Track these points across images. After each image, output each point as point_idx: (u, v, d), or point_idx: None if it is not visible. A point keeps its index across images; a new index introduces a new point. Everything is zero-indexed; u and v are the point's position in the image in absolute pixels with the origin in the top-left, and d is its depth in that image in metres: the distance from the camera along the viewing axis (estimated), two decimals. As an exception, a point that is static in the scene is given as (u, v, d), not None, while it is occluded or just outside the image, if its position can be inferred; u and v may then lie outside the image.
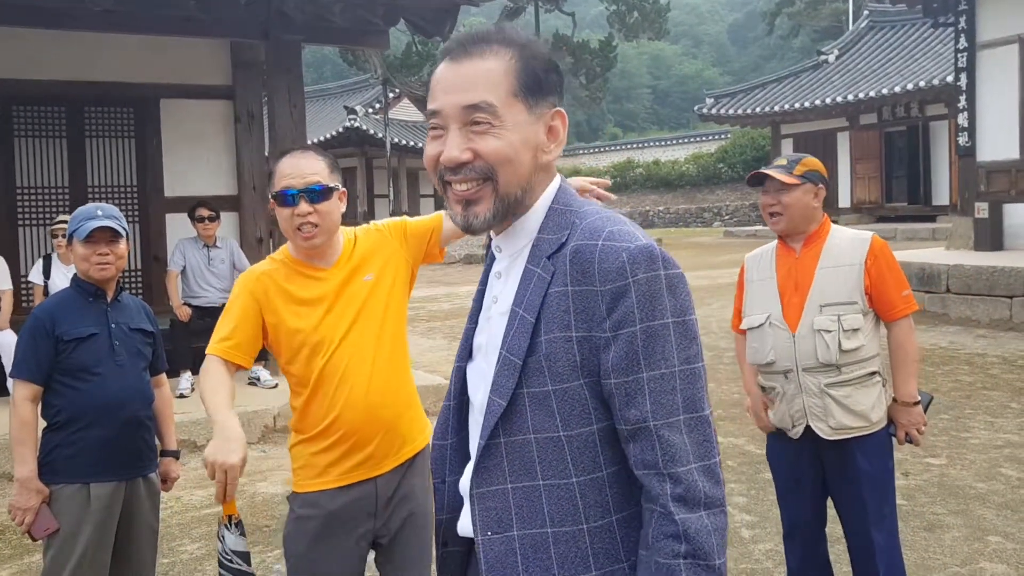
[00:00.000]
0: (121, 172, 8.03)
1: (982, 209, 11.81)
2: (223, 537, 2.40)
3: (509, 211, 1.41)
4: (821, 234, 3.13)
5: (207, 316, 7.35)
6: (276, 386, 7.27)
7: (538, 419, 1.34)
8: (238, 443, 2.26)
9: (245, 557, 2.40)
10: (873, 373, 3.07)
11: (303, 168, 2.49)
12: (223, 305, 8.04)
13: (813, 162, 3.14)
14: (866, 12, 27.82)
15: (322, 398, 2.52)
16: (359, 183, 30.23)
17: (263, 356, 7.49)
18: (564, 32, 26.64)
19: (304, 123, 7.69)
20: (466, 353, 1.51)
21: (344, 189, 2.61)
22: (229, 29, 7.17)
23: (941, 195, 23.37)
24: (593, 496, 1.34)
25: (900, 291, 3.06)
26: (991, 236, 11.66)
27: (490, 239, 1.65)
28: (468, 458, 1.48)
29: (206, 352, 2.57)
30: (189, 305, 7.34)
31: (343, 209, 2.60)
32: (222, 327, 2.56)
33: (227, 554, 2.39)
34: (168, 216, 7.90)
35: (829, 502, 3.26)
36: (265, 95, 8.23)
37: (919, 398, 3.13)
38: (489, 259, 1.54)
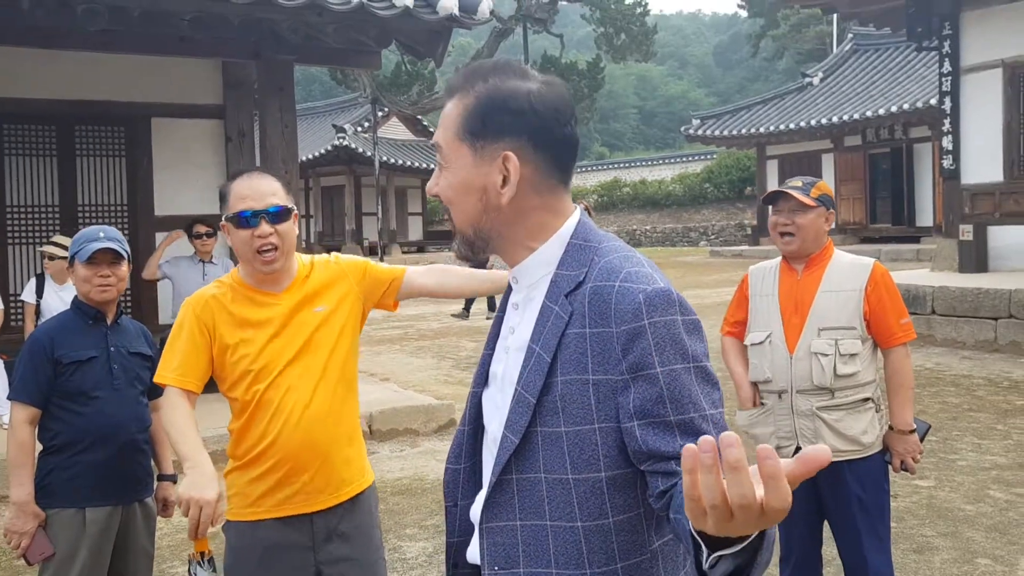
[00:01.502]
0: (111, 191, 8.03)
1: (967, 231, 11.94)
2: (195, 573, 2.41)
3: (475, 247, 1.45)
4: (824, 257, 3.16)
5: (197, 335, 7.33)
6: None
7: (549, 459, 1.35)
8: (211, 479, 2.28)
9: None
10: (867, 399, 3.10)
11: (261, 189, 2.46)
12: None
13: (826, 186, 3.18)
14: (850, 35, 28.15)
15: (258, 423, 2.47)
16: (347, 201, 30.25)
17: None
18: (552, 53, 26.84)
19: (296, 142, 7.71)
20: (482, 380, 1.53)
21: (297, 211, 2.60)
22: (222, 49, 7.20)
23: (925, 216, 23.60)
24: (598, 542, 1.34)
25: (899, 319, 3.09)
26: (976, 258, 11.78)
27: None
28: (480, 483, 1.50)
29: (156, 381, 2.56)
30: (180, 324, 7.31)
31: (297, 232, 2.59)
32: (171, 355, 2.51)
33: None
34: (158, 235, 7.88)
35: (825, 525, 3.29)
36: (256, 114, 8.25)
37: (915, 426, 3.17)
38: (508, 288, 1.56)
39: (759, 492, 0.94)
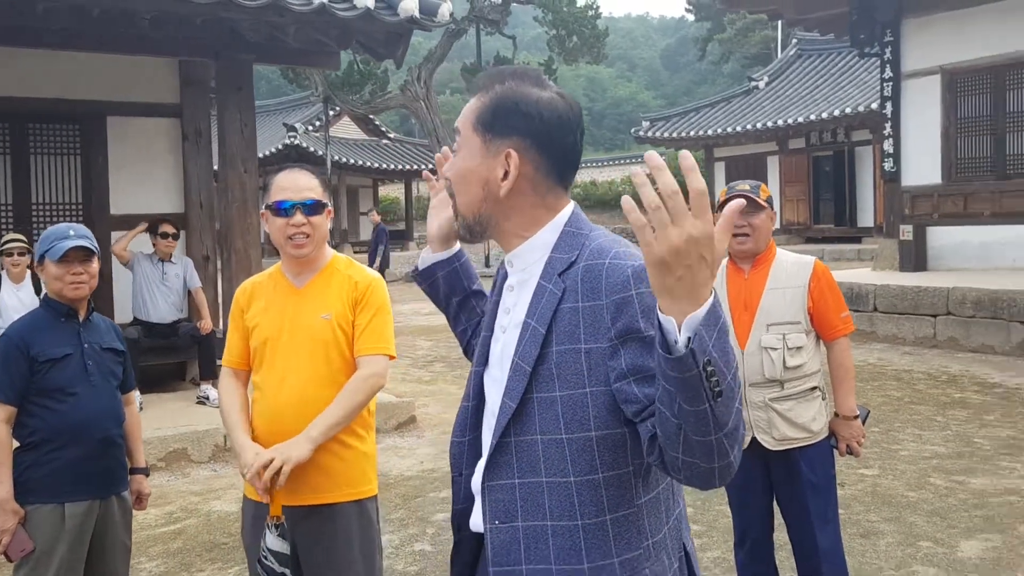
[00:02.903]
0: (66, 189, 7.95)
1: (907, 232, 12.36)
2: (265, 535, 2.54)
3: (474, 232, 1.60)
4: (768, 257, 3.33)
5: (156, 335, 7.33)
6: (225, 405, 7.24)
7: (545, 421, 1.48)
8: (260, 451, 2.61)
9: (280, 557, 2.53)
10: (814, 388, 3.28)
11: (300, 183, 2.71)
12: (174, 322, 8.02)
13: (768, 190, 3.37)
14: (794, 40, 28.78)
15: (255, 405, 2.78)
16: (297, 201, 29.96)
17: (212, 375, 7.48)
18: (505, 55, 26.96)
19: (255, 141, 7.73)
20: (483, 359, 1.66)
21: (332, 208, 2.80)
22: (181, 48, 7.18)
23: (866, 217, 24.25)
24: (588, 495, 1.47)
25: (839, 313, 3.29)
26: (915, 258, 12.21)
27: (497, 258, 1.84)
28: (480, 455, 1.62)
29: (222, 363, 2.90)
30: (138, 321, 7.30)
31: (330, 226, 2.80)
32: (227, 339, 2.90)
33: (264, 550, 2.54)
34: (114, 234, 7.81)
35: (776, 509, 3.47)
36: (214, 113, 8.24)
37: (858, 412, 3.36)
38: (502, 273, 1.69)
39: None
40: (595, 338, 1.45)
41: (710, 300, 1.21)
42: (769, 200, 3.30)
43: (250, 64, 7.51)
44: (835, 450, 3.37)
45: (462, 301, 1.99)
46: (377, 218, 17.15)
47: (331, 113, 26.96)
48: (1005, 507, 5.04)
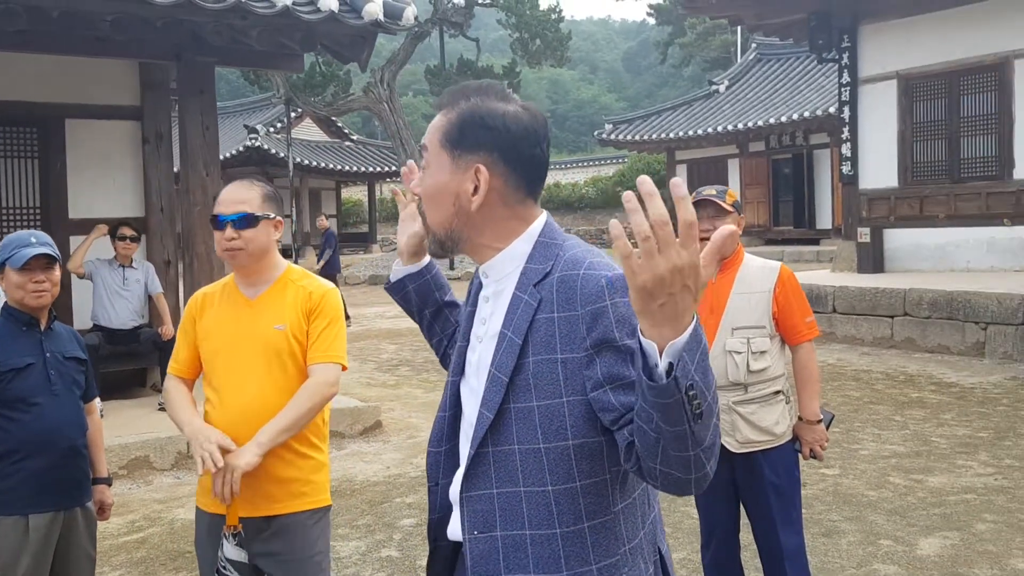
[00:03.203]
0: (23, 193, 7.80)
1: (864, 234, 12.58)
2: (222, 545, 2.52)
3: (446, 247, 1.62)
4: (735, 261, 3.37)
5: (117, 341, 7.22)
6: (188, 411, 7.17)
7: (522, 432, 1.50)
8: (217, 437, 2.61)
9: (239, 567, 2.53)
10: (777, 392, 3.33)
11: (234, 196, 2.76)
12: (134, 328, 7.90)
13: (735, 194, 3.42)
14: (754, 45, 29.14)
15: (208, 415, 2.78)
16: (258, 203, 29.71)
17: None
18: (468, 57, 26.96)
19: (217, 145, 7.66)
20: (459, 369, 1.67)
21: (279, 218, 2.83)
22: (142, 50, 7.09)
23: (824, 219, 24.62)
24: (567, 504, 1.49)
25: (804, 317, 3.34)
26: (873, 259, 12.42)
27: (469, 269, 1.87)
28: (457, 464, 1.64)
29: (168, 371, 2.92)
30: (98, 327, 7.19)
31: (277, 236, 2.82)
32: (176, 346, 2.92)
33: (222, 560, 2.53)
34: (72, 238, 7.69)
35: (742, 511, 3.52)
36: (174, 116, 8.14)
37: (822, 417, 3.42)
38: (476, 283, 1.71)
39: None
40: (571, 348, 1.47)
41: (692, 325, 1.23)
42: (736, 204, 3.34)
43: (212, 67, 7.44)
44: (799, 453, 3.42)
45: (435, 312, 2.01)
46: (326, 224, 17.04)
47: (293, 115, 26.76)
48: (962, 505, 5.15)
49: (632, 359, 1.42)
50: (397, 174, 30.17)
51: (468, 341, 1.67)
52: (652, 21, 55.60)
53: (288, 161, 25.08)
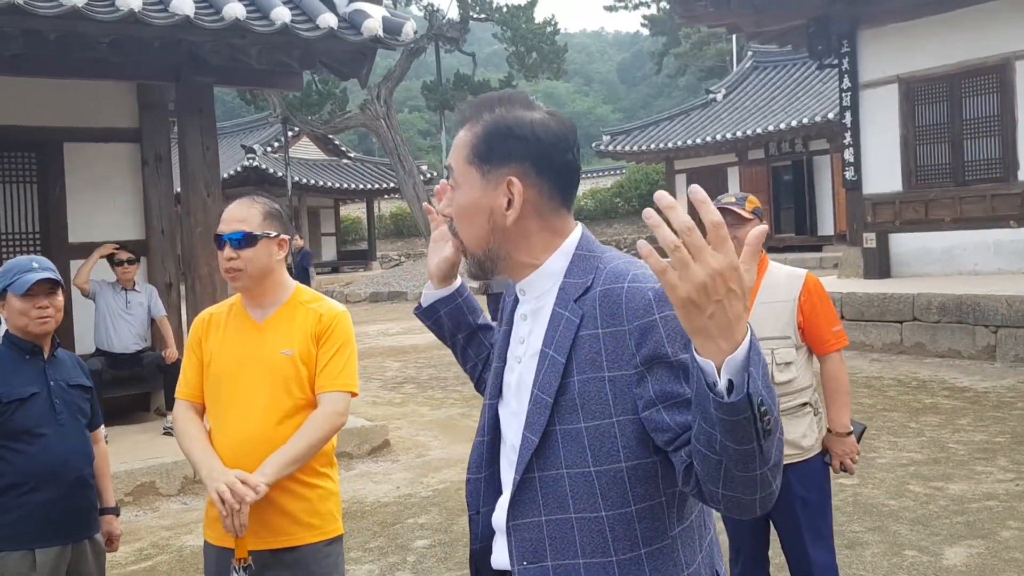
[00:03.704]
0: (22, 218, 7.73)
1: (870, 239, 12.50)
2: None
3: (484, 268, 1.53)
4: (760, 269, 3.29)
5: (120, 366, 7.14)
6: (193, 435, 7.08)
7: (570, 455, 1.42)
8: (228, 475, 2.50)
9: None
10: (804, 404, 3.24)
11: (235, 215, 2.67)
12: (138, 352, 7.81)
13: (756, 200, 3.33)
14: (750, 53, 29.15)
15: (214, 444, 2.67)
16: (257, 223, 29.73)
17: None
18: (464, 72, 26.97)
19: (218, 165, 7.59)
20: (496, 391, 1.60)
21: (283, 236, 2.71)
22: (140, 71, 7.03)
23: (826, 226, 24.56)
24: (622, 530, 1.41)
25: (831, 327, 3.24)
26: (879, 265, 12.34)
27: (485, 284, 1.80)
28: (499, 491, 1.56)
29: (176, 395, 2.79)
30: (101, 351, 7.10)
31: (281, 255, 2.71)
32: (183, 370, 2.79)
33: None
34: (72, 263, 7.62)
35: (771, 526, 3.43)
36: (174, 137, 8.08)
37: (852, 428, 3.33)
38: (512, 301, 1.63)
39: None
40: (619, 365, 1.40)
41: (748, 336, 1.16)
42: (756, 211, 3.26)
43: (211, 86, 7.38)
44: (829, 467, 3.33)
45: (468, 336, 1.93)
46: (300, 243, 16.88)
47: (290, 134, 26.76)
48: (985, 512, 5.05)
49: (686, 375, 1.34)
50: (395, 191, 30.14)
51: (505, 362, 1.60)
52: (646, 32, 55.76)
53: (286, 180, 25.05)
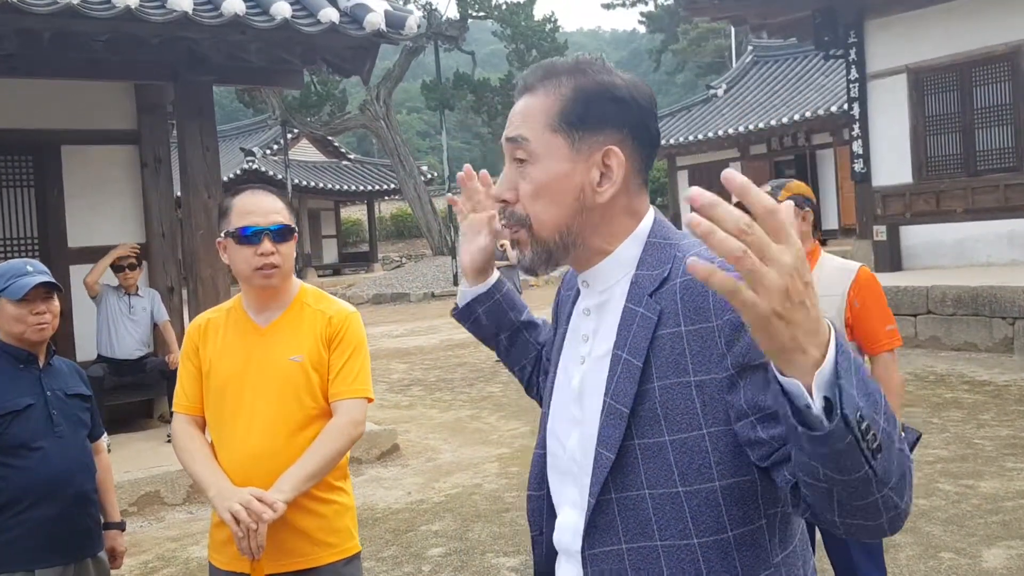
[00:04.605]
0: (20, 223, 7.57)
1: (880, 232, 12.33)
2: None
3: (552, 256, 1.33)
4: (811, 261, 3.12)
5: (123, 372, 6.98)
6: (198, 442, 6.92)
7: (652, 473, 1.23)
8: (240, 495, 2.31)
9: None
10: None
11: (265, 206, 2.41)
12: (140, 358, 7.63)
13: (798, 186, 3.14)
14: (750, 47, 28.98)
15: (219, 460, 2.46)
16: (258, 226, 29.63)
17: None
18: (464, 71, 26.80)
19: (218, 166, 7.42)
20: (550, 399, 1.42)
21: (298, 233, 2.53)
22: (137, 71, 6.87)
23: (830, 219, 24.38)
24: (717, 560, 1.22)
25: (884, 325, 3.05)
26: (890, 257, 12.17)
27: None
28: (555, 509, 1.40)
29: (173, 409, 2.57)
30: (103, 358, 6.94)
31: (295, 255, 2.53)
32: (179, 381, 2.57)
33: None
34: (72, 268, 7.46)
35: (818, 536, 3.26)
36: (173, 139, 7.92)
37: (905, 434, 3.15)
38: (572, 294, 1.45)
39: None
40: (707, 368, 1.20)
41: (833, 337, 0.96)
42: (795, 198, 3.07)
43: (210, 85, 7.21)
44: None
45: (511, 336, 1.74)
46: None
47: (289, 136, 26.61)
48: (1020, 511, 4.88)
49: None
50: (396, 192, 29.97)
51: (559, 366, 1.42)
52: (643, 29, 55.63)
53: (287, 183, 24.89)
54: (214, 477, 2.38)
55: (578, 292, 1.43)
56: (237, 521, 2.22)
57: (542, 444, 1.43)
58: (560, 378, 1.40)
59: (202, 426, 2.53)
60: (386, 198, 34.34)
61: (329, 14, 6.49)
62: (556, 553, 1.40)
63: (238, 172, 26.87)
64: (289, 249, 2.43)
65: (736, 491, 1.22)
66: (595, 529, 1.28)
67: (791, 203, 1.01)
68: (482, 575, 4.62)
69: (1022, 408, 7.19)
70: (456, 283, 22.68)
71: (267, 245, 2.37)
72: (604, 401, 1.27)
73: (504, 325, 1.74)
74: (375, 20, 6.63)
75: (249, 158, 26.68)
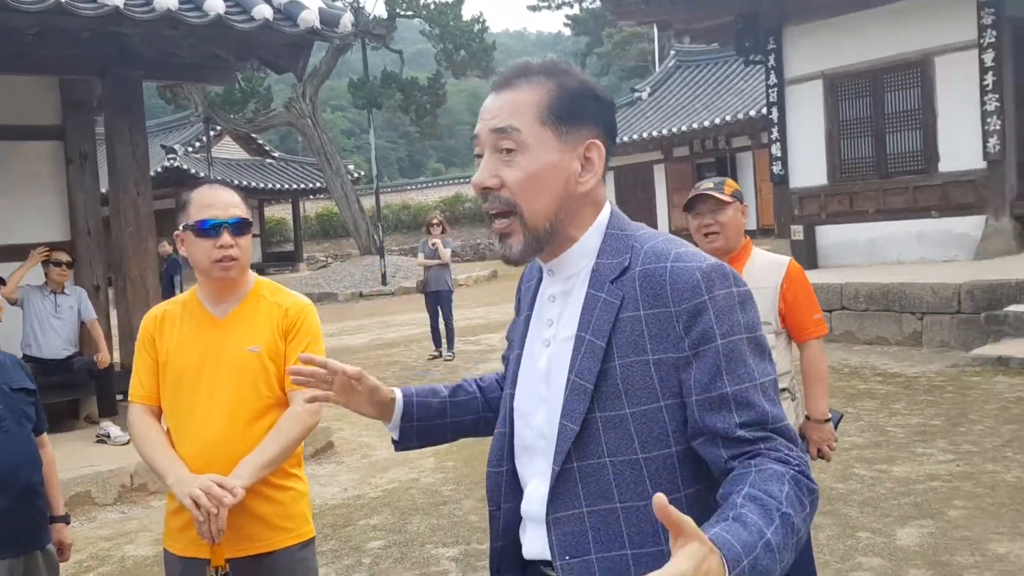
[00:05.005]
0: (-61, 220, 7.36)
1: (797, 232, 12.79)
2: None
3: (541, 244, 1.43)
4: (744, 255, 3.28)
5: (50, 372, 6.84)
6: (128, 442, 6.82)
7: (613, 442, 1.36)
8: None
9: None
10: (783, 390, 3.25)
11: (224, 200, 2.50)
12: (67, 357, 7.48)
13: (734, 183, 3.32)
14: (672, 52, 29.58)
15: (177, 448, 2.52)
16: (180, 225, 29.05)
17: (113, 412, 7.03)
18: (392, 69, 26.72)
19: (148, 163, 7.34)
20: (515, 380, 1.52)
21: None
22: (66, 66, 6.74)
23: (749, 220, 24.98)
24: None
25: (812, 314, 3.25)
26: (807, 256, 12.62)
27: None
28: (519, 485, 1.49)
29: (129, 399, 2.60)
30: (28, 358, 6.79)
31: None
32: (135, 372, 2.61)
33: None
34: (-5, 266, 7.28)
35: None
36: (99, 135, 7.78)
37: (830, 416, 3.35)
38: (533, 284, 1.56)
39: None
40: (664, 348, 1.35)
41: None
42: (736, 194, 3.25)
43: (139, 81, 7.11)
44: (806, 454, 3.35)
45: (457, 414, 1.75)
46: (168, 249, 14.94)
47: (212, 133, 26.13)
48: (930, 493, 5.19)
49: (729, 361, 1.32)
50: (322, 190, 29.70)
51: (523, 348, 1.53)
52: (568, 32, 56.19)
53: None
54: (172, 465, 2.43)
55: (539, 281, 1.54)
56: (198, 506, 2.28)
57: (504, 423, 1.53)
58: (526, 360, 1.51)
59: (158, 415, 2.58)
60: (311, 197, 33.98)
61: (263, 11, 6.49)
62: (515, 528, 1.51)
63: (159, 169, 26.24)
64: (247, 242, 2.51)
65: (689, 455, 1.37)
66: (558, 495, 1.39)
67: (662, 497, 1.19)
68: (422, 565, 4.71)
69: (930, 398, 7.60)
70: (385, 283, 22.59)
71: (226, 238, 2.44)
72: (569, 378, 1.39)
73: (442, 414, 1.74)
74: (309, 17, 6.65)
75: (170, 155, 26.11)
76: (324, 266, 30.75)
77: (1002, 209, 11.12)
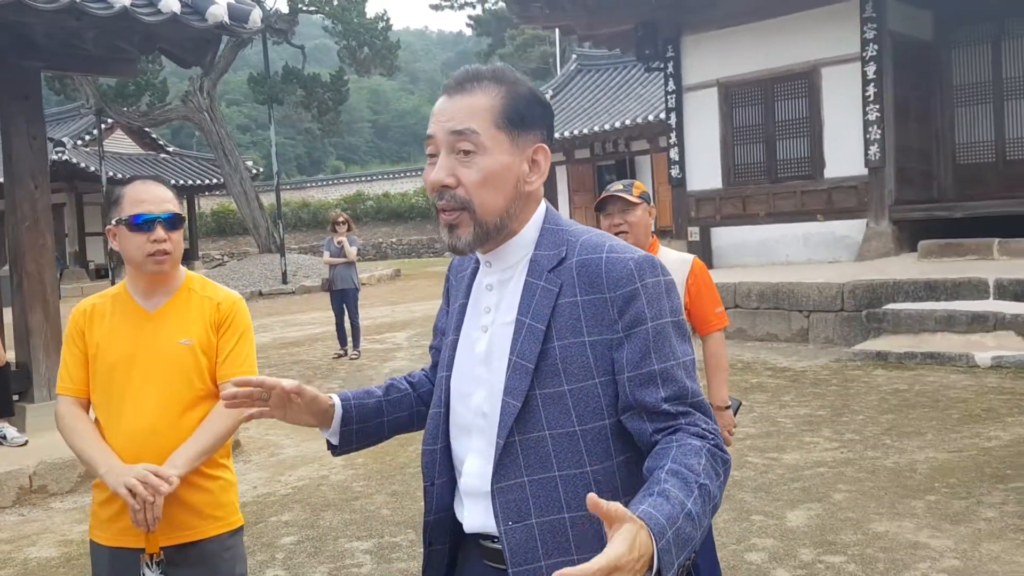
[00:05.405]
0: None
1: (694, 233, 13.28)
2: (143, 574, 2.32)
3: (489, 236, 1.55)
4: (652, 253, 3.49)
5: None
6: (26, 443, 6.63)
7: (553, 417, 1.50)
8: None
9: None
10: None
11: (158, 195, 2.55)
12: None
13: (642, 186, 3.52)
14: (574, 56, 30.06)
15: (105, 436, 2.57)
16: (68, 222, 27.89)
17: (9, 412, 6.81)
18: (294, 65, 26.31)
19: (45, 155, 7.13)
20: (450, 363, 1.64)
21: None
22: (-42, 54, 6.51)
23: (648, 222, 25.72)
24: (606, 482, 1.51)
25: (714, 307, 3.49)
26: (703, 256, 13.08)
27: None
28: (451, 462, 1.62)
29: (57, 392, 2.63)
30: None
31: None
32: (63, 365, 2.63)
33: None
34: None
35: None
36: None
37: (730, 403, 3.59)
38: (466, 275, 1.68)
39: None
40: (599, 330, 1.50)
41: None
42: (644, 195, 3.44)
43: (38, 71, 6.92)
44: None
45: (393, 413, 1.81)
46: None
47: (103, 126, 25.20)
48: (817, 478, 5.55)
49: (658, 342, 1.49)
50: (219, 187, 29.01)
51: (459, 334, 1.65)
52: (470, 32, 56.36)
53: (100, 176, 23.59)
54: (104, 455, 2.47)
55: (474, 272, 1.67)
56: (134, 495, 2.33)
57: (440, 404, 1.65)
58: (463, 345, 1.63)
59: (87, 408, 2.61)
60: (207, 193, 33.12)
61: (170, 4, 6.39)
62: (448, 502, 1.63)
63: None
64: (179, 237, 2.57)
65: (621, 426, 1.53)
66: (501, 467, 1.53)
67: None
68: (337, 559, 4.78)
69: (817, 391, 8.06)
70: (285, 281, 22.25)
71: (160, 232, 2.50)
72: (510, 359, 1.53)
73: (379, 413, 1.79)
74: (218, 12, 6.59)
75: (59, 148, 25.03)
76: (220, 264, 30.03)
77: (882, 213, 11.83)
